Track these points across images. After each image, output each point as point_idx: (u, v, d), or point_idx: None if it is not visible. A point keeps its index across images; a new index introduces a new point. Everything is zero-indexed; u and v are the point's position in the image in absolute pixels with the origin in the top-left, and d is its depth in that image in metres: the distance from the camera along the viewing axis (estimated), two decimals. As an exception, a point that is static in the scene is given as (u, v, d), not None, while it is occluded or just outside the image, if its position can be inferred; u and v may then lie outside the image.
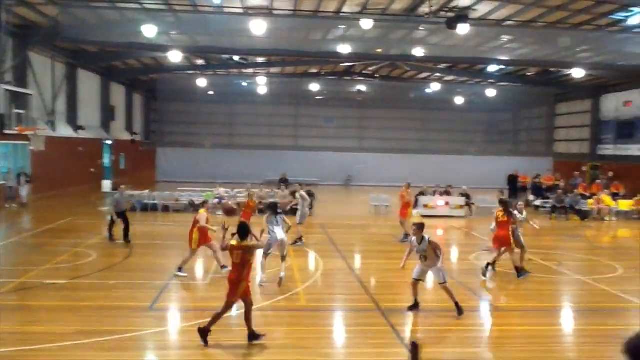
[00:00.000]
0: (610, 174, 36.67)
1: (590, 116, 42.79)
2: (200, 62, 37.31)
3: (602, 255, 16.36)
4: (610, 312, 10.55)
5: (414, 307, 10.11)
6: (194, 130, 47.92)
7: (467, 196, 25.66)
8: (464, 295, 11.41)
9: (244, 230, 8.70)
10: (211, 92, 44.68)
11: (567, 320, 10.45)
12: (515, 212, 13.47)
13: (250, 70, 40.64)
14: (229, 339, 8.55)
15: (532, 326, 9.57)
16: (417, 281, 10.19)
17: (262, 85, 43.34)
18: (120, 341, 8.27)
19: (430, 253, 9.99)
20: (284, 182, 28.48)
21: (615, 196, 27.39)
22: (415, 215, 24.71)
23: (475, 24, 23.80)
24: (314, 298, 11.14)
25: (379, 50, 29.19)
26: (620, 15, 23.80)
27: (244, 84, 44.23)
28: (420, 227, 10.29)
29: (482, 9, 23.87)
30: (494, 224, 13.29)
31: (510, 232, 12.78)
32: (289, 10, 25.15)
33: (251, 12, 24.76)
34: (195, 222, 12.61)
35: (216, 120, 48.98)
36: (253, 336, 8.36)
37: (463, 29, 21.85)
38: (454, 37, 24.93)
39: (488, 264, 12.90)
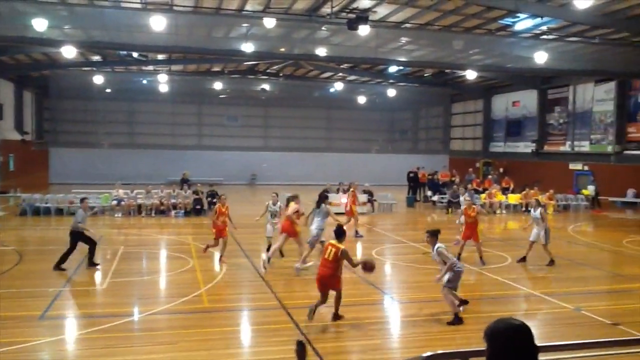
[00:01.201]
0: (501, 169, 39.01)
1: (482, 115, 45.30)
2: (96, 58, 35.67)
3: (493, 247, 17.33)
4: (500, 299, 11.21)
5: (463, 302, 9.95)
6: (91, 129, 45.78)
7: (370, 193, 26.34)
8: (365, 289, 11.73)
9: (341, 233, 9.73)
10: (109, 90, 42.83)
11: (470, 308, 10.91)
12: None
13: (151, 68, 39.38)
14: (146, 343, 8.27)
15: (432, 315, 9.95)
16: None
17: (163, 83, 42.10)
18: (9, 353, 7.77)
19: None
20: (185, 182, 27.86)
21: (505, 191, 29.17)
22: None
23: (376, 26, 24.45)
24: (217, 299, 11.01)
25: (282, 49, 29.27)
26: (508, 21, 25.32)
27: (145, 81, 42.77)
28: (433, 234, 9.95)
29: (381, 11, 24.55)
30: (462, 218, 14.18)
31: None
32: (190, 6, 24.64)
33: (150, 7, 23.99)
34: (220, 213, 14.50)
35: (115, 118, 47.00)
36: (337, 316, 9.46)
37: (364, 30, 22.39)
38: (355, 37, 25.45)
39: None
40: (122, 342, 8.26)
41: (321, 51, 27.42)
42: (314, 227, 13.87)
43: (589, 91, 34.61)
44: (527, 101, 40.01)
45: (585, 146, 34.96)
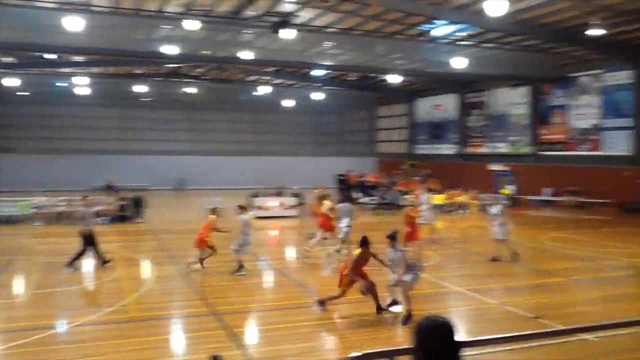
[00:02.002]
0: (426, 171, 40.15)
1: (407, 119, 46.48)
2: (9, 59, 33.86)
3: (420, 246, 17.78)
4: (429, 297, 11.52)
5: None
6: (5, 133, 43.43)
7: (299, 196, 26.43)
8: (297, 292, 11.76)
9: (365, 242, 10.34)
10: (25, 93, 40.79)
11: (394, 307, 11.13)
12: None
13: (70, 70, 37.85)
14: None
15: (362, 316, 10.09)
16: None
17: (83, 86, 40.55)
18: None
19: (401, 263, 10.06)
20: (110, 188, 26.94)
21: (431, 192, 29.99)
22: (252, 215, 24.93)
23: (300, 30, 24.60)
24: (145, 307, 10.71)
25: (206, 52, 28.87)
26: (426, 27, 26.14)
27: (64, 84, 41.03)
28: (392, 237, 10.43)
29: (305, 15, 24.71)
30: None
31: None
32: (108, 7, 23.89)
33: (66, 7, 23.09)
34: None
35: (32, 123, 44.71)
36: (380, 309, 10.00)
37: (287, 33, 22.50)
38: (280, 41, 25.49)
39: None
40: (47, 355, 7.89)
41: (245, 54, 27.27)
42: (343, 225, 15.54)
43: (505, 95, 36.25)
44: (448, 105, 41.41)
45: (503, 148, 36.57)
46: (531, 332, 4.91)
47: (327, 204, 15.95)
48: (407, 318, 9.51)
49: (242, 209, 14.14)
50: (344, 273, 10.14)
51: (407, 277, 10.01)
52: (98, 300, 11.12)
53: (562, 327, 6.32)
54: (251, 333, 9.55)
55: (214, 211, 14.68)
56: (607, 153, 29.64)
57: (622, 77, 28.76)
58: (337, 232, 15.67)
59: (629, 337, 7.65)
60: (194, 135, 49.65)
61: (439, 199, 29.03)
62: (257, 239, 17.58)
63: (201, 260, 13.79)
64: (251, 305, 11.08)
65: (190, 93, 42.79)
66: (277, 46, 27.58)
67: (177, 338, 9.35)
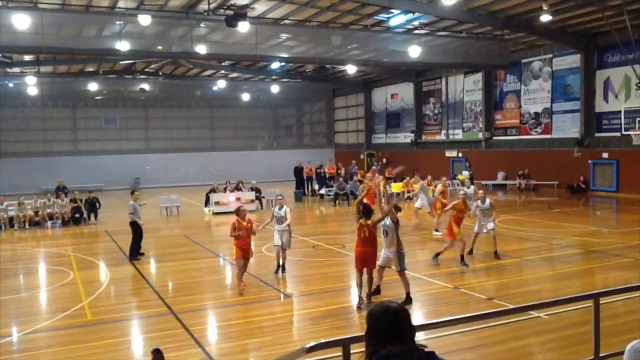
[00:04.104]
0: (384, 160, 40.50)
1: (363, 109, 46.74)
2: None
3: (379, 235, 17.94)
4: (388, 284, 11.59)
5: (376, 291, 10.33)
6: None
7: (257, 190, 26.32)
8: (256, 287, 11.72)
9: (368, 211, 10.08)
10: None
11: (354, 297, 11.22)
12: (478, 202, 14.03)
13: (17, 70, 36.67)
14: None
15: (321, 307, 10.14)
16: (383, 268, 10.41)
17: (32, 86, 39.35)
18: None
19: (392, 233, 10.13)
20: (61, 190, 26.24)
21: (389, 180, 30.29)
22: (208, 213, 24.72)
23: (255, 22, 24.43)
24: (101, 310, 10.50)
25: (160, 48, 28.38)
26: (382, 17, 26.30)
27: (10, 84, 39.74)
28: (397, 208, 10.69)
29: (260, 8, 24.56)
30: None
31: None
32: (57, 4, 23.23)
33: (12, 4, 22.36)
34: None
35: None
36: (376, 291, 10.18)
37: (243, 26, 22.29)
38: (235, 34, 25.26)
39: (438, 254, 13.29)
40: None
41: (200, 49, 26.91)
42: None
43: (460, 82, 36.82)
44: (404, 94, 41.83)
45: (458, 134, 37.20)
46: (484, 312, 5.00)
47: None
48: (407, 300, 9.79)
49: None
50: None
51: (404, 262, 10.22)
52: (51, 306, 10.86)
53: (513, 306, 6.50)
54: (211, 330, 9.49)
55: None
56: (557, 136, 30.49)
57: (570, 61, 29.58)
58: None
59: (577, 313, 7.89)
60: (149, 133, 48.77)
61: (396, 187, 29.36)
62: (215, 235, 17.51)
63: None
64: (210, 303, 11.00)
65: (145, 90, 42.03)
66: (232, 40, 27.31)
67: (136, 340, 9.21)
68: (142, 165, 41.67)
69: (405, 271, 10.19)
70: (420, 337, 7.89)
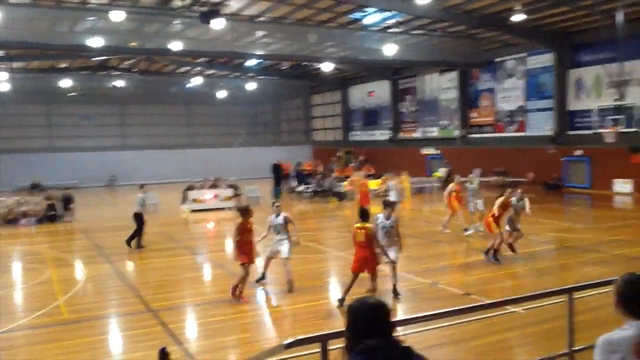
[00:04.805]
0: (362, 157, 40.66)
1: (341, 106, 46.85)
2: None
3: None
4: (365, 280, 11.67)
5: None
6: None
7: (235, 187, 26.23)
8: (230, 283, 11.67)
9: (365, 214, 9.82)
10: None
11: (334, 293, 11.27)
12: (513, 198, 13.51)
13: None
14: None
15: (302, 304, 10.17)
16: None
17: (4, 82, 38.58)
18: None
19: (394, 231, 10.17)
20: (36, 187, 25.86)
21: (367, 177, 30.39)
22: (185, 210, 24.57)
23: (230, 19, 24.30)
24: (77, 309, 10.38)
25: (134, 44, 28.07)
26: (357, 15, 26.38)
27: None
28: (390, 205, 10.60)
29: (235, 5, 24.41)
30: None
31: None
32: (28, -1, 22.85)
33: (-19, -1, 21.90)
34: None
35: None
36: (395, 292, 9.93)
37: (217, 23, 22.18)
38: (210, 31, 25.12)
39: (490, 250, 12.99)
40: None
41: (175, 45, 26.70)
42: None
43: (435, 81, 37.12)
44: (381, 91, 42.03)
45: (434, 132, 37.50)
46: (461, 307, 5.08)
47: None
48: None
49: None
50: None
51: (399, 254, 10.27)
52: (28, 304, 10.70)
53: (490, 301, 6.61)
54: (189, 327, 9.46)
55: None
56: (532, 134, 30.94)
57: (544, 60, 30.02)
58: None
59: (553, 307, 8.04)
60: (125, 129, 48.31)
61: (374, 184, 29.48)
62: (193, 232, 17.45)
63: None
64: (188, 300, 10.96)
65: (120, 86, 41.51)
66: (208, 36, 27.16)
67: (113, 338, 9.14)
68: (118, 162, 41.21)
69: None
70: (399, 332, 7.97)
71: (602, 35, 24.94)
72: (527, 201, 13.71)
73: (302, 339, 3.80)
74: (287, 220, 11.10)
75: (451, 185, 17.57)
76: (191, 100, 48.42)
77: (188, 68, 40.23)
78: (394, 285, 10.10)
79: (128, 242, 15.75)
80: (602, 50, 25.58)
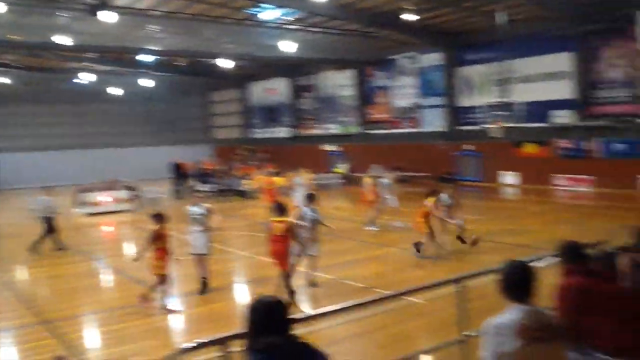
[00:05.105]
0: (263, 155, 40.59)
1: (241, 103, 46.47)
2: None
3: (259, 230, 18.01)
4: (271, 279, 11.68)
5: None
6: None
7: (133, 189, 25.31)
8: (135, 290, 11.30)
9: (281, 208, 9.94)
10: None
11: (243, 293, 11.20)
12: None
13: None
14: None
15: (212, 304, 10.01)
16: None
17: None
18: None
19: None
20: None
21: (273, 175, 30.34)
22: (79, 214, 23.36)
23: (121, 12, 23.32)
24: (-40, 325, 9.61)
25: (16, 37, 26.25)
26: (253, 10, 26.27)
27: None
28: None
29: (126, -3, 23.52)
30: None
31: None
32: None
33: None
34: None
35: None
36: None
37: (107, 16, 21.29)
38: (100, 25, 23.99)
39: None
40: None
41: (62, 39, 25.26)
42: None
43: (334, 78, 37.76)
44: (281, 88, 42.15)
45: (334, 128, 38.15)
46: (362, 301, 5.23)
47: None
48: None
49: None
50: None
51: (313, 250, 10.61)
52: None
53: (389, 293, 6.85)
54: (90, 337, 9.04)
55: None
56: (426, 129, 32.29)
57: (434, 59, 31.38)
58: None
59: (450, 296, 8.45)
60: (8, 130, 44.93)
61: (279, 180, 29.51)
62: (90, 237, 16.70)
63: None
64: (87, 308, 10.46)
65: (0, 83, 38.67)
66: (98, 30, 25.90)
67: (2, 353, 8.55)
68: (4, 165, 38.46)
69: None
70: (304, 329, 8.06)
71: (487, 36, 26.41)
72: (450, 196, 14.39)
73: (201, 343, 3.74)
74: (208, 212, 10.87)
75: (369, 180, 17.77)
76: (81, 98, 45.80)
77: (78, 64, 38.23)
78: (312, 278, 10.47)
79: (58, 248, 15.68)
80: (487, 50, 27.13)
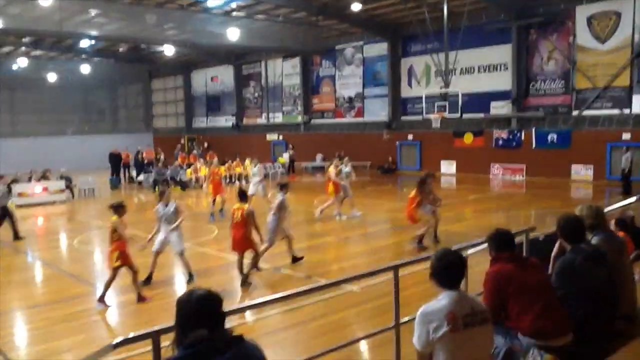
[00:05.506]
0: (205, 144, 39.98)
1: (183, 91, 45.58)
2: None
3: (202, 220, 17.76)
4: (211, 270, 11.53)
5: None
6: None
7: (68, 179, 24.43)
8: (67, 283, 10.95)
9: (243, 195, 10.41)
10: None
11: (180, 287, 10.93)
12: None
13: None
14: None
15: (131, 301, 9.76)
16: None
17: None
18: None
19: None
20: None
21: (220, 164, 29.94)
22: (10, 205, 22.37)
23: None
24: None
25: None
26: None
27: None
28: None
29: (62, -20, 22.56)
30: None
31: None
32: None
33: None
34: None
35: None
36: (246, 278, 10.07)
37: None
38: (37, 8, 22.99)
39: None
40: None
41: (-6, 23, 24.05)
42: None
43: (279, 66, 37.51)
44: (224, 77, 41.57)
45: (279, 118, 37.96)
46: (298, 290, 5.17)
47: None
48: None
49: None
50: None
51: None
52: None
53: (327, 281, 6.84)
54: (17, 335, 8.63)
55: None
56: (369, 119, 32.57)
57: (379, 49, 31.64)
58: None
59: (385, 284, 8.54)
60: None
61: (222, 171, 29.16)
62: (20, 229, 15.98)
63: None
64: (15, 304, 9.99)
65: None
66: (34, 14, 24.77)
67: None
68: None
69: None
70: (241, 320, 7.96)
71: (430, 27, 26.80)
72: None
73: (131, 337, 3.60)
74: (177, 209, 10.49)
75: (331, 170, 17.47)
76: (15, 84, 43.80)
77: (11, 48, 36.53)
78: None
79: (16, 237, 15.51)
80: (430, 41, 27.50)
